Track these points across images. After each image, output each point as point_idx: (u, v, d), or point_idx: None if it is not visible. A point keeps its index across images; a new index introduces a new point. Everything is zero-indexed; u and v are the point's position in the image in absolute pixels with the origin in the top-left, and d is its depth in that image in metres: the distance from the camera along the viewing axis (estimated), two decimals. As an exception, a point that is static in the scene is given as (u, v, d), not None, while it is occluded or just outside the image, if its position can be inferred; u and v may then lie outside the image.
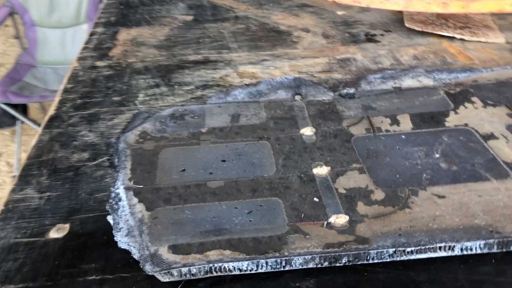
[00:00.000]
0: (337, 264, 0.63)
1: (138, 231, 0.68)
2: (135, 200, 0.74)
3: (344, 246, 0.64)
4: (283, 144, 0.86)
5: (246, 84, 1.03)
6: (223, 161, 0.82)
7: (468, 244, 0.64)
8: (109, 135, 0.94)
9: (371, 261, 0.64)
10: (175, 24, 1.50)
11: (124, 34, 1.43)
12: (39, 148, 0.90)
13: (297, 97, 0.99)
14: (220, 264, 0.62)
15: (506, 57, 1.18)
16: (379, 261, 0.64)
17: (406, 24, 1.32)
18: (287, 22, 1.47)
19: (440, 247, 0.64)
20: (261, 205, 0.72)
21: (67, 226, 0.73)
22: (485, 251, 0.64)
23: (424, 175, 0.77)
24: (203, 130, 0.91)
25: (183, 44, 1.35)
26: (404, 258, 0.64)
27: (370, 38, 1.34)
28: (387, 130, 0.89)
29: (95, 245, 0.69)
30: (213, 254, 0.63)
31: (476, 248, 0.64)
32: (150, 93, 1.09)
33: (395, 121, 0.91)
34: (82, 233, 0.71)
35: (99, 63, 1.25)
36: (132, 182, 0.77)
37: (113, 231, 0.69)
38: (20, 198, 0.78)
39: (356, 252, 0.63)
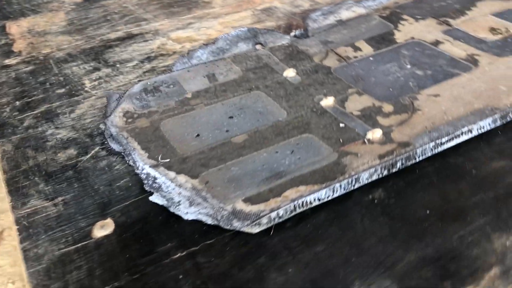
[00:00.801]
0: (393, 170, 0.69)
1: (201, 199, 0.65)
2: (172, 173, 0.69)
3: (395, 152, 0.70)
4: (276, 89, 0.87)
5: (204, 44, 1.00)
6: (231, 117, 0.81)
7: (481, 123, 0.75)
8: (82, 126, 0.84)
9: (418, 159, 0.71)
10: (67, 7, 1.36)
11: (15, 27, 1.26)
12: (10, 159, 0.78)
13: (258, 47, 1.00)
14: (301, 200, 0.63)
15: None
16: (423, 157, 0.71)
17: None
18: (188, -15, 1.43)
19: (462, 133, 0.73)
20: (297, 144, 0.74)
21: (109, 220, 0.66)
22: (492, 126, 0.76)
23: (410, 83, 0.86)
24: (188, 96, 0.87)
25: (93, 25, 1.24)
26: (439, 149, 0.72)
27: (278, -14, 1.38)
28: (354, 57, 0.96)
29: (156, 227, 0.64)
30: (290, 193, 0.64)
31: (486, 126, 0.75)
32: (95, 77, 0.99)
33: (356, 48, 0.98)
34: (131, 222, 0.65)
35: (9, 61, 1.09)
36: (155, 159, 0.72)
37: (172, 208, 0.65)
38: (30, 212, 0.68)
39: (406, 154, 0.69)
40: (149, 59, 1.06)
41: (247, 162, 0.71)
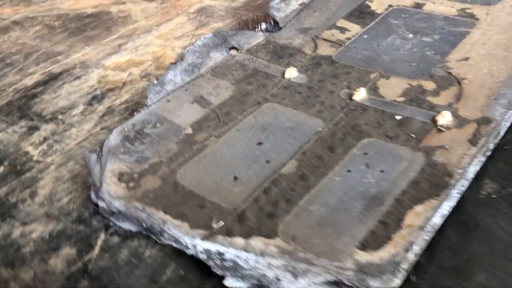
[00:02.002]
0: (488, 154, 0.58)
1: (303, 263, 0.47)
2: (240, 240, 0.51)
3: (483, 132, 0.59)
4: (287, 96, 0.71)
5: (172, 63, 0.80)
6: (259, 143, 0.64)
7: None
8: (61, 210, 0.61)
9: (502, 133, 0.61)
10: None
11: None
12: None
13: (233, 52, 0.83)
14: (430, 224, 0.49)
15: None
16: (506, 129, 0.61)
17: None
18: (80, 5, 1.18)
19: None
20: (365, 153, 0.59)
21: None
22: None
23: (428, 52, 0.76)
24: (188, 131, 0.67)
25: (-7, 73, 0.96)
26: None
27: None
28: (347, 38, 0.83)
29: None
30: (412, 220, 0.50)
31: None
32: (38, 140, 0.74)
33: (341, 29, 0.86)
34: None
35: None
36: (205, 227, 0.53)
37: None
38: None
39: (495, 132, 0.59)
40: (96, 99, 0.82)
41: (323, 194, 0.55)
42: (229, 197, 0.56)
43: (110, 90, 0.84)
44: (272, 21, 0.91)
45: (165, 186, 0.59)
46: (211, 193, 0.57)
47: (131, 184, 0.60)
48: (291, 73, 0.75)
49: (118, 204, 0.57)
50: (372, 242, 0.48)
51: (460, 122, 0.61)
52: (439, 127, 0.61)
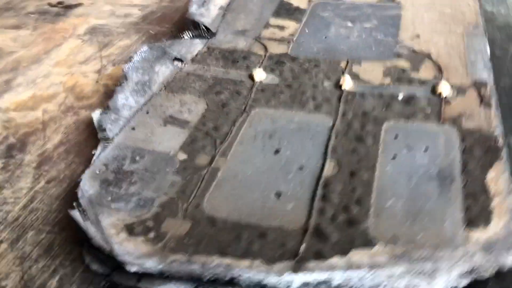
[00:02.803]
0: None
1: (427, 263, 0.41)
2: (336, 259, 0.42)
3: (487, 95, 0.60)
4: (272, 98, 0.64)
5: (117, 86, 0.65)
6: (277, 152, 0.55)
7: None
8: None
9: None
10: None
11: None
12: None
13: (178, 64, 0.72)
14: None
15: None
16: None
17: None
18: None
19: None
20: (395, 137, 0.56)
21: None
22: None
23: (378, 36, 0.77)
24: (181, 157, 0.55)
25: None
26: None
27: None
28: (291, 35, 0.79)
29: None
30: (492, 186, 0.47)
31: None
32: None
33: (279, 27, 0.82)
34: None
35: None
36: (288, 256, 0.42)
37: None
38: None
39: (495, 93, 0.61)
40: (15, 148, 0.63)
41: (387, 187, 0.49)
42: (286, 217, 0.47)
43: (28, 134, 0.65)
44: (193, 29, 0.82)
45: (198, 225, 0.46)
46: (262, 218, 0.47)
47: (151, 235, 0.45)
48: (260, 75, 0.68)
49: (151, 264, 0.42)
50: (475, 220, 0.44)
51: (459, 90, 0.62)
52: (446, 99, 0.60)
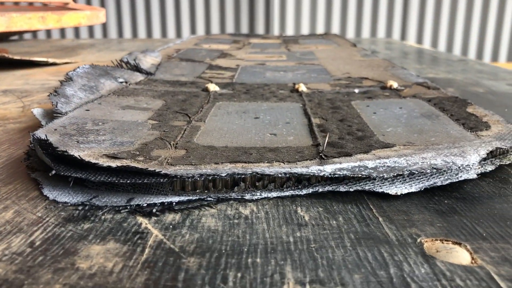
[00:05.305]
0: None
1: (454, 149, 0.39)
2: (364, 155, 0.38)
3: (429, 84, 0.66)
4: (234, 97, 0.62)
5: (62, 81, 0.58)
6: (256, 118, 0.52)
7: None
8: None
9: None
10: None
11: None
12: None
13: (123, 83, 0.68)
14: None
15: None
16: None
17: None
18: None
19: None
20: (368, 106, 0.57)
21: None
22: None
23: (313, 76, 0.82)
24: (153, 122, 0.49)
25: None
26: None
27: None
28: (230, 77, 0.81)
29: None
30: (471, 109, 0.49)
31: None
32: None
33: (218, 73, 0.84)
34: None
35: None
36: (303, 159, 0.37)
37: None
38: None
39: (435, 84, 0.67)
40: None
41: (384, 121, 0.48)
42: (291, 143, 0.42)
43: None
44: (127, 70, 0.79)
45: (195, 151, 0.39)
46: (265, 144, 0.42)
47: (140, 158, 0.37)
48: (214, 87, 0.67)
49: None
50: (475, 127, 0.45)
51: (405, 86, 0.67)
52: (397, 90, 0.64)
